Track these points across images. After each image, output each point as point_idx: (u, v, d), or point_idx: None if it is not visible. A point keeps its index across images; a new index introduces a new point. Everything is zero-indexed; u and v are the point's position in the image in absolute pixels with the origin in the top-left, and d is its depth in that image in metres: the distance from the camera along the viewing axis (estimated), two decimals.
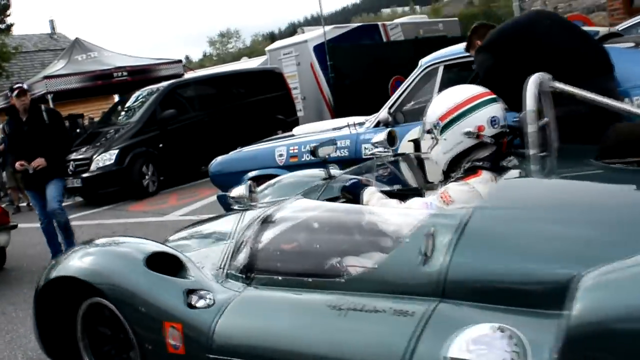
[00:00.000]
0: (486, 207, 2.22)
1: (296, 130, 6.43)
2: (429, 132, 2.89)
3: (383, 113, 4.95)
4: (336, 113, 13.60)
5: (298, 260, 2.61)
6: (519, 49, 3.86)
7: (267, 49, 15.41)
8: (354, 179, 3.25)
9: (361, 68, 13.69)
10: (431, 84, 4.91)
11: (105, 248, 3.01)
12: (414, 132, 4.77)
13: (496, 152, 2.80)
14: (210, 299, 2.53)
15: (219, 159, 6.18)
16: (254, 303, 2.47)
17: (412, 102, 5.12)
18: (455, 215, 2.18)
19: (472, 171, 2.72)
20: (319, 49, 13.90)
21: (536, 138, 2.73)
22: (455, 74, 4.79)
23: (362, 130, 5.17)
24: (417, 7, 54.32)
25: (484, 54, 4.00)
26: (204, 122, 11.70)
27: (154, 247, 2.89)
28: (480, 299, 2.01)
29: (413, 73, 4.97)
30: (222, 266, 2.76)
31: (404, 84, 5.03)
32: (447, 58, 4.77)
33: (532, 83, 2.80)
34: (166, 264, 2.75)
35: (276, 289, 2.47)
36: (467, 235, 2.10)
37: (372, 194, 2.96)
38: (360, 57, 13.84)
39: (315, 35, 14.21)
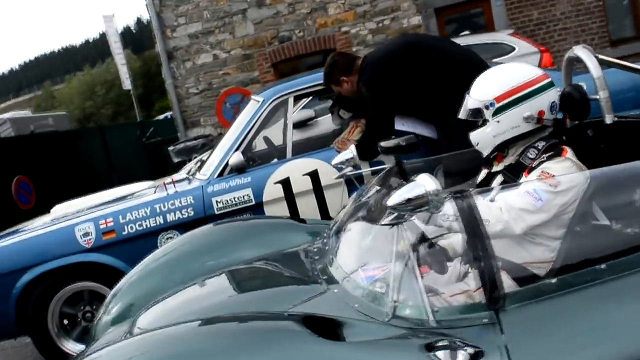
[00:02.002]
0: None
1: (58, 210, 4.92)
2: (475, 111, 2.55)
3: (234, 157, 4.17)
4: None
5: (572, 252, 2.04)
6: (419, 61, 3.81)
7: None
8: None
9: None
10: (277, 118, 4.41)
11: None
12: (279, 173, 4.17)
13: (558, 130, 2.64)
14: (462, 345, 1.68)
15: None
16: (542, 326, 1.75)
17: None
18: None
19: (557, 148, 2.50)
20: None
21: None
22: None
23: (203, 182, 4.26)
24: None
25: (377, 81, 3.80)
26: None
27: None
28: None
29: (254, 110, 4.34)
30: (404, 303, 1.88)
31: (245, 122, 4.33)
32: (295, 89, 4.32)
33: (585, 53, 2.75)
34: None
35: (555, 296, 1.80)
36: None
37: None
38: None
39: None
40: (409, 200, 1.84)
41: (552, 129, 2.55)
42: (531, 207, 2.23)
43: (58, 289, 4.17)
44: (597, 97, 2.68)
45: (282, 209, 4.14)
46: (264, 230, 3.31)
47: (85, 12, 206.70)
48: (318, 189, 4.13)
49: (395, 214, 1.89)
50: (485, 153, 2.56)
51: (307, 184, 4.13)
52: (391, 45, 4.02)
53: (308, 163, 4.17)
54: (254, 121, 4.30)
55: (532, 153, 2.50)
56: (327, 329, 1.73)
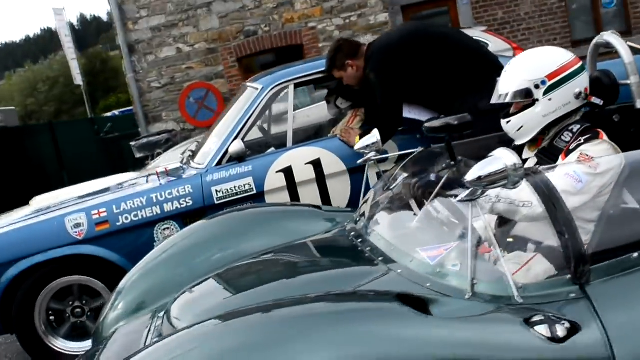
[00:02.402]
0: None
1: (37, 202, 4.68)
2: (524, 92, 2.52)
3: (235, 145, 4.03)
4: None
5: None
6: (427, 48, 3.78)
7: None
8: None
9: None
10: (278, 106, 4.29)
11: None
12: (281, 162, 4.06)
13: (590, 113, 2.66)
14: (559, 319, 1.64)
15: None
16: (631, 299, 1.74)
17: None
18: None
19: (594, 131, 2.51)
20: None
21: None
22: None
23: (201, 171, 4.11)
24: None
25: (386, 67, 3.74)
26: None
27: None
28: None
29: (253, 98, 4.19)
30: (482, 280, 1.83)
31: (244, 110, 4.19)
32: (295, 76, 4.21)
33: (615, 38, 2.77)
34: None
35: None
36: None
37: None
38: None
39: None
40: (484, 176, 1.78)
41: (583, 112, 2.57)
42: (572, 189, 2.21)
43: (46, 283, 3.94)
44: (629, 82, 2.70)
45: (284, 198, 4.04)
46: (280, 218, 3.20)
47: (26, 7, 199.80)
48: (321, 178, 4.05)
49: (471, 189, 1.84)
50: (528, 137, 2.50)
51: (310, 172, 4.04)
52: (399, 31, 3.98)
53: (311, 152, 4.07)
54: (253, 109, 4.15)
55: (566, 136, 2.49)
56: (418, 306, 1.66)
